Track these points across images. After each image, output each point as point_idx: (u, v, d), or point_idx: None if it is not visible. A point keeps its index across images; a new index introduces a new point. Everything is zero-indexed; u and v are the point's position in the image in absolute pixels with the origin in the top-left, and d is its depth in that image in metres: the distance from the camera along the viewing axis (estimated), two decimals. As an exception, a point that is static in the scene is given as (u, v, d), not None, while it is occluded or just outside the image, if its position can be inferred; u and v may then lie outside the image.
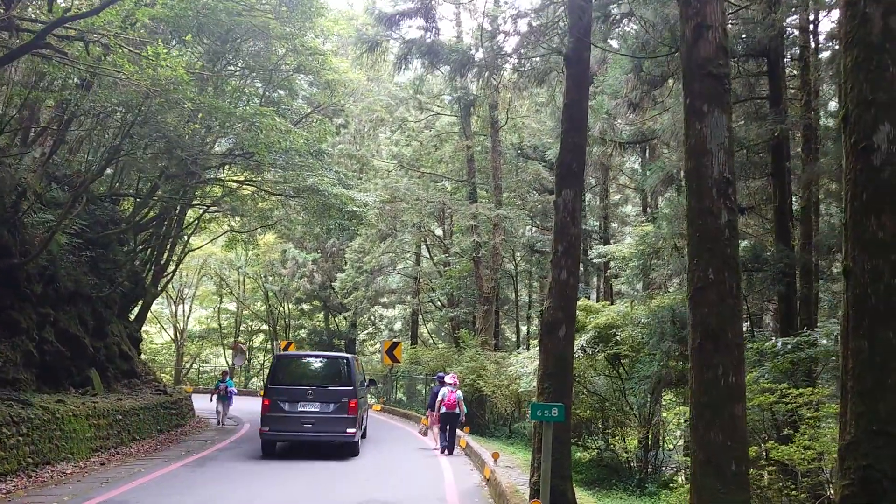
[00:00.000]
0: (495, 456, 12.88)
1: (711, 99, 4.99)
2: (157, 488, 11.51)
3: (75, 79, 13.99)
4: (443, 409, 15.96)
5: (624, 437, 14.72)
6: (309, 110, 21.93)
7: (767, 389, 9.77)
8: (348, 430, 14.89)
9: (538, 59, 11.44)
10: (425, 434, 18.92)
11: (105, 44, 11.79)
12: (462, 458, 15.95)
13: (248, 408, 28.46)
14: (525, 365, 16.81)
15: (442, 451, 16.11)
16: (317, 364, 16.79)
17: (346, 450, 15.31)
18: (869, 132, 4.81)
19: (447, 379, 16.59)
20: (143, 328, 45.45)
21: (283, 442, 15.96)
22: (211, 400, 22.24)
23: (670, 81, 14.88)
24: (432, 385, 19.06)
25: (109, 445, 14.92)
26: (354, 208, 19.74)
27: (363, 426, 17.05)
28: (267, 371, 42.87)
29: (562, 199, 9.61)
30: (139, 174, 18.69)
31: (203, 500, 10.65)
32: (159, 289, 26.58)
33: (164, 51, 11.53)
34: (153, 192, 19.53)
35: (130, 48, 11.71)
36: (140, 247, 23.05)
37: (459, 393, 16.22)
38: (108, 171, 20.71)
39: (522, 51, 11.30)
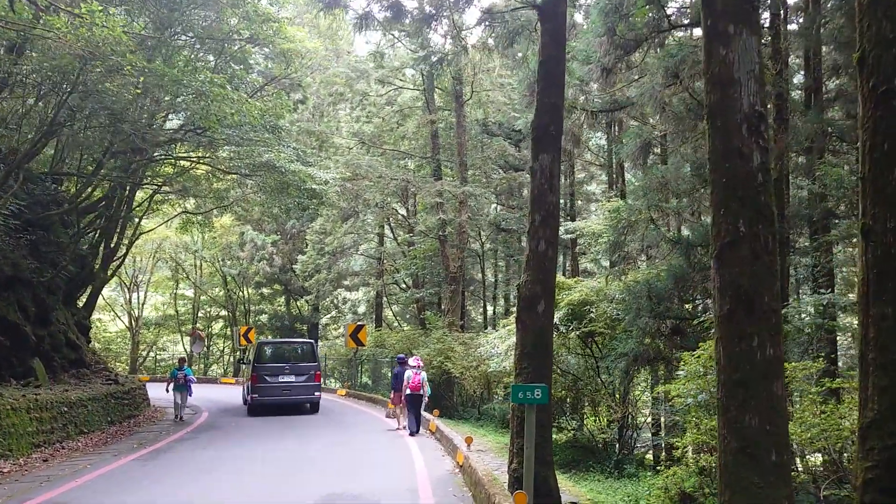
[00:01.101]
0: (468, 440, 12.23)
1: (738, 18, 4.25)
2: (103, 485, 10.61)
3: (3, 42, 12.80)
4: (407, 391, 16.13)
5: (599, 417, 14.17)
6: (263, 83, 20.79)
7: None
8: (315, 394, 20.71)
9: (508, 16, 10.64)
10: (392, 417, 18.24)
11: (35, 2, 10.71)
12: (431, 441, 15.29)
13: (207, 395, 27.47)
14: (496, 345, 16.17)
15: (410, 433, 16.09)
16: (290, 347, 22.09)
17: (312, 408, 20.92)
18: (890, 74, 4.20)
19: (411, 361, 16.79)
20: (95, 316, 44.00)
21: (267, 404, 20.46)
22: (167, 390, 20.00)
23: (644, 47, 14.28)
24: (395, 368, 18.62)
25: (54, 440, 13.91)
26: (314, 186, 18.73)
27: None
28: (227, 357, 41.52)
29: (538, 165, 8.90)
30: (81, 151, 17.43)
31: (151, 498, 9.79)
32: (109, 274, 25.26)
33: (100, 8, 10.46)
34: (98, 171, 18.30)
35: (63, 5, 10.63)
36: (86, 229, 21.77)
37: (424, 374, 16.45)
38: (51, 151, 19.51)
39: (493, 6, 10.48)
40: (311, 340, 23.23)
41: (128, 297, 41.15)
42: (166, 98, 15.28)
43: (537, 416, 7.69)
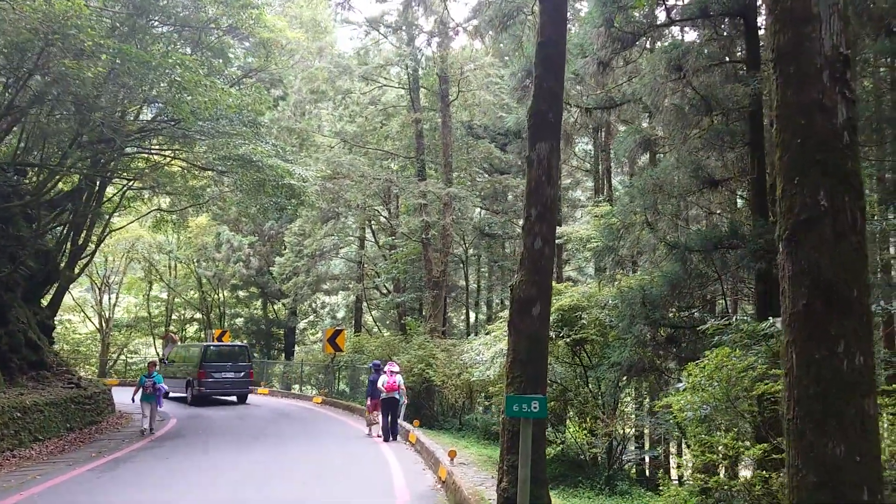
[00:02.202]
0: (451, 454, 11.39)
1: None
2: (51, 499, 9.66)
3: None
4: (382, 395, 16.05)
5: (590, 430, 13.40)
6: (242, 75, 19.89)
7: (764, 376, 8.52)
8: (248, 388, 25.76)
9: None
10: (370, 424, 17.42)
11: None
12: (411, 453, 14.44)
13: (178, 400, 26.37)
14: (480, 352, 15.37)
15: (385, 439, 16.01)
16: (230, 350, 25.95)
17: (241, 399, 25.53)
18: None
19: (389, 367, 16.78)
20: (65, 317, 42.65)
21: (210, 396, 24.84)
22: (133, 399, 17.57)
23: (642, 41, 13.63)
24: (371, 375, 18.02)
25: (3, 448, 12.89)
26: (292, 182, 17.83)
27: None
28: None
29: (535, 154, 8.13)
30: (45, 141, 16.42)
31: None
32: (77, 272, 24.14)
33: (59, -23, 9.58)
34: (63, 162, 17.28)
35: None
36: (51, 224, 20.70)
37: (399, 378, 16.55)
38: (15, 140, 18.49)
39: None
40: (246, 344, 28.80)
41: (98, 297, 39.81)
42: (136, 86, 14.26)
43: (532, 430, 6.91)
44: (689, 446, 9.61)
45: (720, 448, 8.78)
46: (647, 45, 14.13)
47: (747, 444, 8.23)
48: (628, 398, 15.48)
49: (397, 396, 16.24)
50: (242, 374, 24.98)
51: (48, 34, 10.80)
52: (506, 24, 10.73)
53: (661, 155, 15.79)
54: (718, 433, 9.43)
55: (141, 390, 17.23)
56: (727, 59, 13.86)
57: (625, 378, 12.78)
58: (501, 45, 28.66)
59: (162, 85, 14.20)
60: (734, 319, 11.36)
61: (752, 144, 13.48)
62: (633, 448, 15.04)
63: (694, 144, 13.64)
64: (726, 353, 8.68)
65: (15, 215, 17.04)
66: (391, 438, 15.96)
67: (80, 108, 15.75)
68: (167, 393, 19.90)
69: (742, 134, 13.64)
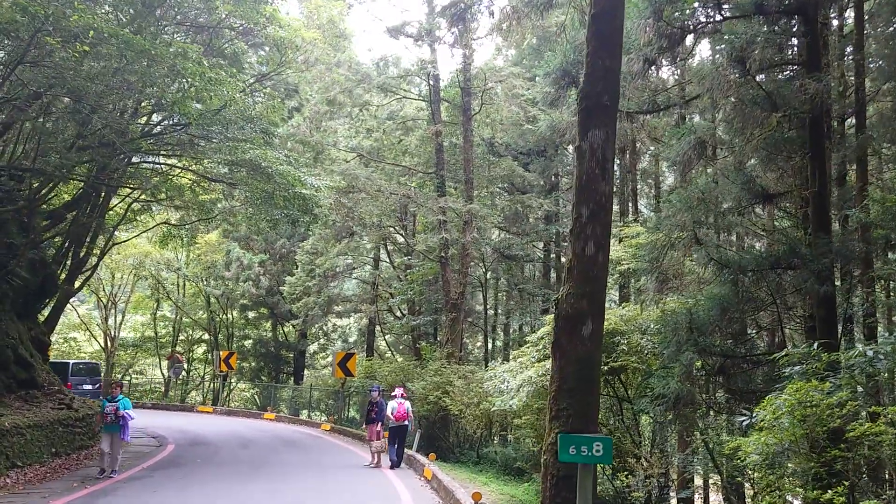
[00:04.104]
0: (476, 497, 9.92)
1: None
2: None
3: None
4: (392, 423, 15.81)
5: (633, 472, 11.88)
6: (255, 80, 18.81)
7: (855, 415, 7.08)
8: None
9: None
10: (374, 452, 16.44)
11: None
12: (427, 492, 12.97)
13: (179, 424, 25.02)
14: (506, 380, 13.95)
15: (391, 466, 15.78)
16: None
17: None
18: None
19: (395, 391, 16.57)
20: (69, 334, 41.57)
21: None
22: (97, 429, 14.55)
23: (691, 39, 12.37)
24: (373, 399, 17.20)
25: (-27, 475, 11.59)
26: (303, 192, 16.62)
27: None
28: (207, 384, 39.22)
29: (588, 144, 6.84)
30: (38, 142, 15.31)
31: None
32: (76, 286, 22.97)
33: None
34: (62, 167, 16.16)
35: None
36: (47, 232, 19.59)
37: (408, 404, 16.29)
38: (11, 143, 17.46)
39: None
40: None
41: (104, 315, 38.65)
42: (138, 82, 13.13)
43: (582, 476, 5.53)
44: (726, 489, 8.13)
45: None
46: (692, 44, 12.86)
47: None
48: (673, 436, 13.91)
49: (407, 424, 16.13)
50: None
51: (38, 18, 9.67)
52: (548, 3, 9.51)
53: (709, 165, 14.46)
54: (792, 480, 7.99)
55: (103, 419, 13.50)
56: (782, 60, 12.61)
57: (670, 413, 11.31)
58: (525, 60, 27.62)
59: (163, 77, 13.03)
60: (790, 348, 9.95)
61: (813, 154, 12.14)
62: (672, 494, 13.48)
63: (746, 154, 12.34)
64: (808, 387, 7.28)
65: (7, 222, 15.90)
66: (397, 465, 15.89)
67: (79, 106, 14.69)
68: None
69: (802, 142, 12.28)
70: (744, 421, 8.88)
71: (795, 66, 12.39)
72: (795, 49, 12.88)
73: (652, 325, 12.30)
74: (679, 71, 16.28)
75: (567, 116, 12.07)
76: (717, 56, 10.01)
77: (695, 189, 12.81)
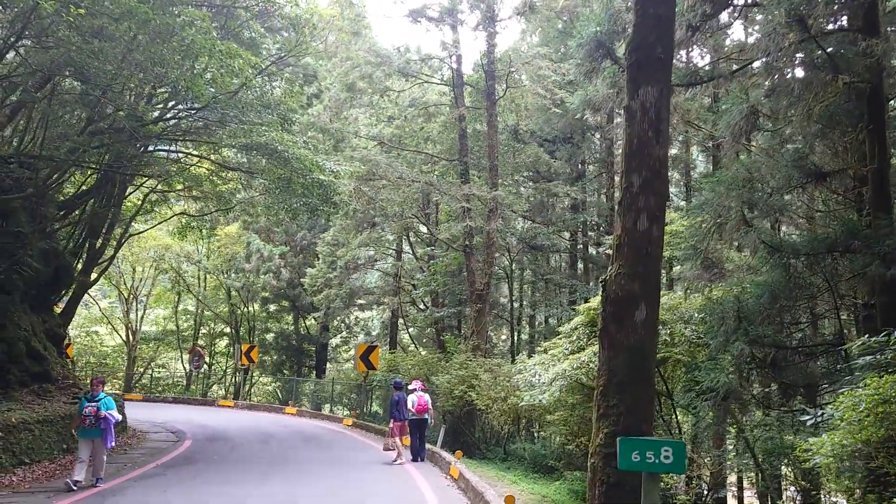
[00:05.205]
0: (509, 501, 9.10)
1: None
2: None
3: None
4: (412, 415, 15.77)
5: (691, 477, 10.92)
6: (268, 63, 18.05)
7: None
8: None
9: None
10: (392, 449, 16.20)
11: None
12: (454, 491, 12.17)
13: (199, 419, 24.50)
14: (537, 373, 13.10)
15: (412, 460, 15.72)
16: None
17: None
18: None
19: (412, 384, 16.52)
20: (92, 328, 41.38)
21: None
22: (73, 432, 11.89)
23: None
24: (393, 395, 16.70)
25: (-25, 473, 11.01)
26: (321, 177, 15.86)
27: None
28: (229, 377, 38.78)
29: (638, 102, 6.00)
30: (45, 127, 14.71)
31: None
32: (93, 278, 22.48)
33: None
34: (73, 153, 15.54)
35: None
36: (61, 223, 19.07)
37: (427, 396, 16.20)
38: (21, 129, 16.93)
39: None
40: None
41: (126, 309, 38.34)
42: (146, 61, 12.40)
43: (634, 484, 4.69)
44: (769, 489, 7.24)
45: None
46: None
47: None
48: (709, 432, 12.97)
49: (427, 417, 16.04)
50: None
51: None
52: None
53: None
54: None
55: (81, 422, 11.37)
56: (836, 27, 11.58)
57: (712, 411, 10.39)
58: (551, 44, 26.64)
59: (175, 59, 12.30)
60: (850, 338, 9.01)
61: (873, 127, 11.12)
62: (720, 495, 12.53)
63: (799, 128, 11.35)
64: (891, 380, 6.37)
65: (16, 210, 15.34)
66: (419, 459, 15.76)
67: (88, 87, 14.07)
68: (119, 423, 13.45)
69: (860, 115, 11.25)
70: (808, 419, 7.99)
71: (852, 32, 11.41)
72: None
73: (696, 314, 11.39)
74: (716, 44, 15.29)
75: (603, 89, 11.18)
76: (769, 17, 9.03)
77: (740, 168, 11.88)
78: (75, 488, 10.82)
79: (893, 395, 6.32)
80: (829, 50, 9.08)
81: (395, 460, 15.39)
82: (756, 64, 10.41)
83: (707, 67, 13.20)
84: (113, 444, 11.88)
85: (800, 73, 9.84)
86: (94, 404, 11.33)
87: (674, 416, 12.24)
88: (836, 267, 11.30)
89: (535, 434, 19.48)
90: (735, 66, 11.16)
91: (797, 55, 9.00)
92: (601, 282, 6.17)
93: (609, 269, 6.09)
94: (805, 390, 11.49)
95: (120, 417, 12.34)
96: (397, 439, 15.94)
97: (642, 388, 5.76)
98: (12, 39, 10.66)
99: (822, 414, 7.43)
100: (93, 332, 41.40)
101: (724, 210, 10.96)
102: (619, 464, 4.50)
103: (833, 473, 7.08)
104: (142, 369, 40.38)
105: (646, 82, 6.02)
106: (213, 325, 41.73)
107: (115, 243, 23.15)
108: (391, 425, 16.34)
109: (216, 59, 11.18)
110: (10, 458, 12.12)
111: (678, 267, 16.96)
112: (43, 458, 13.22)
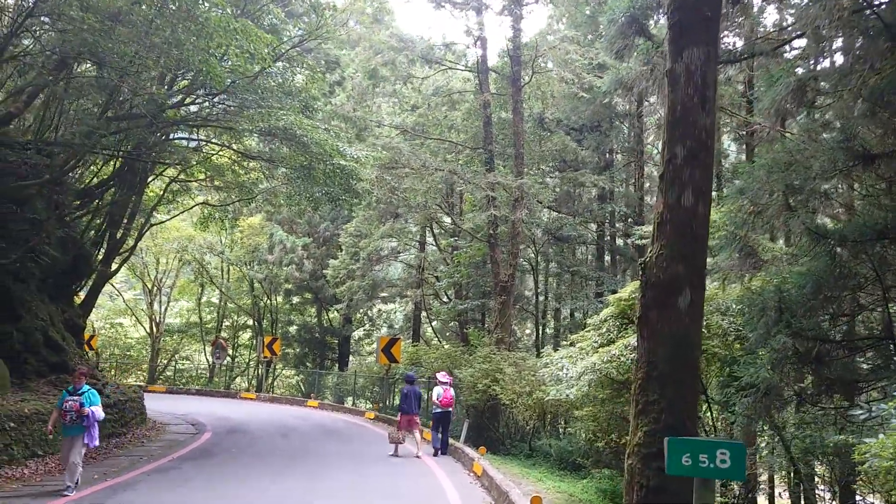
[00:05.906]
0: (535, 502, 8.56)
1: None
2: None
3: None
4: (436, 408, 15.75)
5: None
6: (289, 47, 17.63)
7: None
8: None
9: None
10: (396, 442, 15.75)
11: None
12: (478, 490, 11.68)
13: (220, 411, 24.27)
14: (565, 366, 12.53)
15: (434, 454, 15.59)
16: None
17: None
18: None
19: (439, 376, 16.43)
20: (117, 320, 41.50)
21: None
22: (50, 428, 10.49)
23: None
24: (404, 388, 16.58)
25: (-13, 464, 10.72)
26: (342, 162, 15.43)
27: None
28: (252, 370, 38.66)
29: (682, 66, 5.41)
30: (59, 111, 14.42)
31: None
32: (114, 268, 22.30)
33: None
34: (89, 140, 15.24)
35: None
36: (80, 211, 18.84)
37: (453, 391, 16.12)
38: (39, 116, 16.69)
39: None
40: None
41: (150, 300, 38.36)
42: (163, 44, 12.00)
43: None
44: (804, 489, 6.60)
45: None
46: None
47: None
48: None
49: (451, 410, 15.97)
50: None
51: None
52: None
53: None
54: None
55: (63, 418, 10.13)
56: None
57: (760, 405, 9.76)
58: (579, 30, 25.93)
59: (192, 41, 11.89)
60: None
61: (927, 106, 10.38)
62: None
63: (847, 107, 10.64)
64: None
65: (32, 196, 15.09)
66: (443, 452, 15.74)
67: (104, 71, 13.74)
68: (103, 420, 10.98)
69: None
70: (860, 413, 7.37)
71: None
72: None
73: (733, 305, 10.75)
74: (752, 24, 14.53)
75: (637, 67, 10.55)
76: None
77: (781, 151, 11.19)
78: (66, 492, 9.88)
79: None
80: (889, 18, 8.37)
81: (393, 453, 15.29)
82: (799, 42, 9.70)
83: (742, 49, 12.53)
84: (96, 443, 10.63)
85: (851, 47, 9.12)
86: (76, 398, 10.11)
87: (709, 414, 11.62)
88: (884, 255, 10.61)
89: (561, 430, 18.92)
90: (775, 46, 10.44)
91: (850, 21, 8.30)
92: (640, 265, 5.61)
93: (649, 249, 5.53)
94: (844, 387, 10.84)
95: (104, 416, 10.78)
96: (417, 433, 15.70)
97: (686, 381, 5.19)
98: (21, 18, 10.29)
99: (884, 411, 6.81)
100: (117, 323, 41.55)
101: (764, 195, 10.31)
102: (667, 468, 3.94)
103: (893, 477, 6.43)
104: (165, 361, 40.43)
105: (691, 43, 5.42)
106: (236, 318, 41.65)
107: (136, 233, 22.94)
108: (399, 417, 16.23)
109: (230, 38, 10.75)
110: (23, 450, 11.85)
111: (711, 259, 16.23)
112: (56, 450, 12.90)
